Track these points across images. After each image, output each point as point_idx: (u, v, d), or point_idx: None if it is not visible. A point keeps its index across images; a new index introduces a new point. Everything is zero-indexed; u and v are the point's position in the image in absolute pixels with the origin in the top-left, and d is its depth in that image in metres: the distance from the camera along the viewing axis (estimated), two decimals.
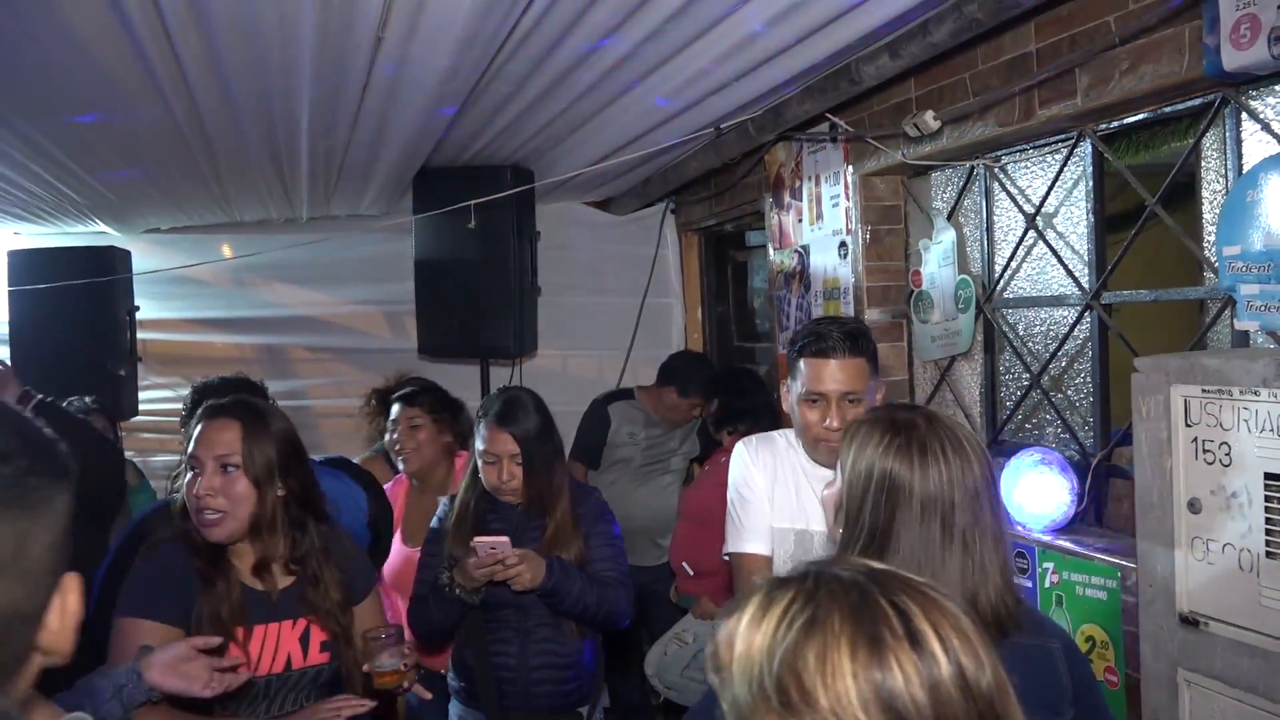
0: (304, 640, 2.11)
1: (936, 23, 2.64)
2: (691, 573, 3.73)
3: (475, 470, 2.68)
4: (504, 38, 2.73)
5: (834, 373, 2.16)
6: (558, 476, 2.64)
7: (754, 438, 2.41)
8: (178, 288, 5.24)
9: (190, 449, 2.06)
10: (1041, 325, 3.26)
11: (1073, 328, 3.07)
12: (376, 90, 3.07)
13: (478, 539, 2.43)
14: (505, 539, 2.41)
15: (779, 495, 2.29)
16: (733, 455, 2.38)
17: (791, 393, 2.26)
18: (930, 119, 3.12)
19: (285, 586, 2.12)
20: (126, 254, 4.84)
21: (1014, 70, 2.90)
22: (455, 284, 4.59)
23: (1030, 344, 3.29)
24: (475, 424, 2.68)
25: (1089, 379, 3.05)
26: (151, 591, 2.00)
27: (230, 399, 2.16)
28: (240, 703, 2.01)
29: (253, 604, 2.07)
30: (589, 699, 2.70)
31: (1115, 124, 2.84)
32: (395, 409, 3.47)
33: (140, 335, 4.89)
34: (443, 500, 2.80)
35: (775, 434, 2.40)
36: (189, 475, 2.05)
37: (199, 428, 2.07)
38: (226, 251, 5.36)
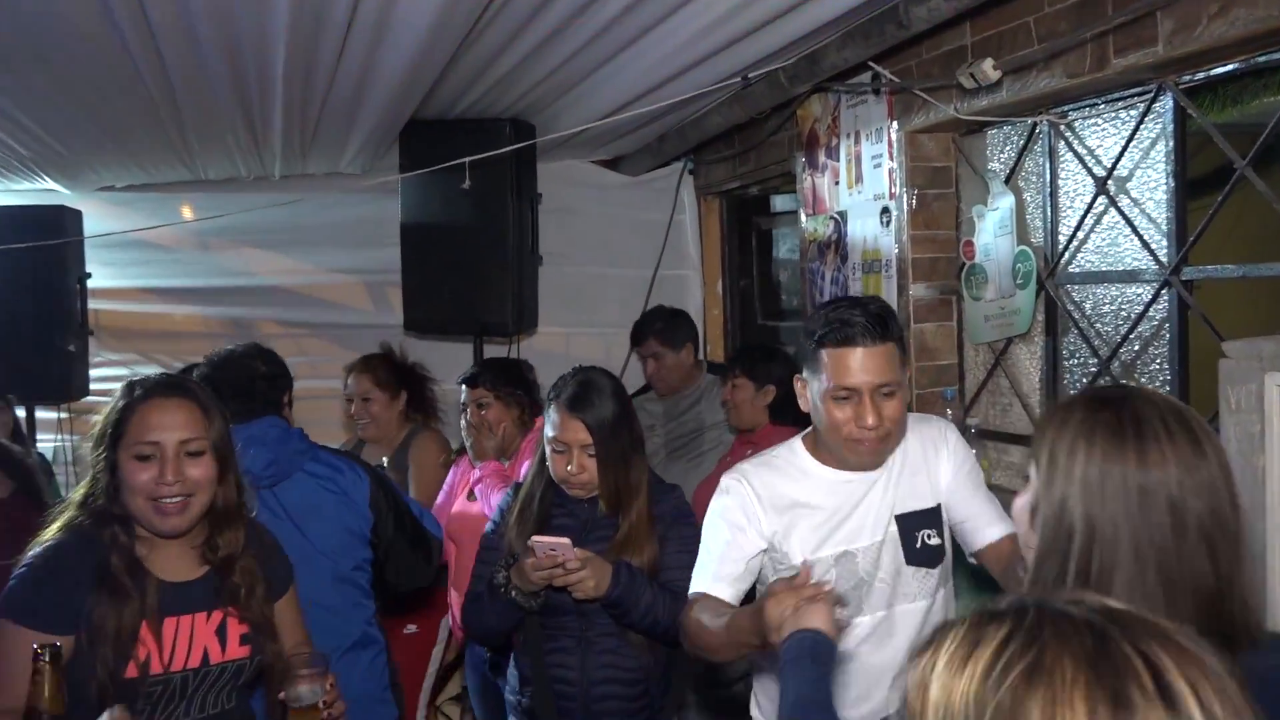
0: (221, 633, 2.11)
1: None
2: None
3: (543, 458, 2.65)
4: None
5: (864, 363, 2.07)
6: (635, 471, 2.58)
7: (748, 467, 2.27)
8: (135, 253, 5.22)
9: (138, 435, 2.02)
10: (1112, 304, 3.22)
11: (1148, 307, 3.03)
12: (361, 30, 3.02)
13: (536, 539, 2.38)
14: (566, 541, 2.36)
15: (802, 526, 2.18)
16: (727, 487, 2.24)
17: (812, 390, 2.15)
18: (989, 68, 3.06)
19: (199, 576, 2.12)
20: (78, 214, 4.82)
21: (1085, 14, 2.85)
22: (446, 251, 4.57)
23: (1099, 325, 3.26)
24: (545, 407, 2.65)
25: (1166, 365, 3.01)
26: (36, 595, 1.99)
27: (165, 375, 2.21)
28: (154, 704, 2.01)
29: (163, 594, 2.07)
30: (661, 715, 2.66)
31: (1201, 75, 2.80)
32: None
33: (92, 305, 4.88)
34: (506, 491, 2.80)
35: (773, 455, 2.29)
36: (134, 465, 2.02)
37: (140, 410, 2.04)
38: (188, 213, 5.33)
